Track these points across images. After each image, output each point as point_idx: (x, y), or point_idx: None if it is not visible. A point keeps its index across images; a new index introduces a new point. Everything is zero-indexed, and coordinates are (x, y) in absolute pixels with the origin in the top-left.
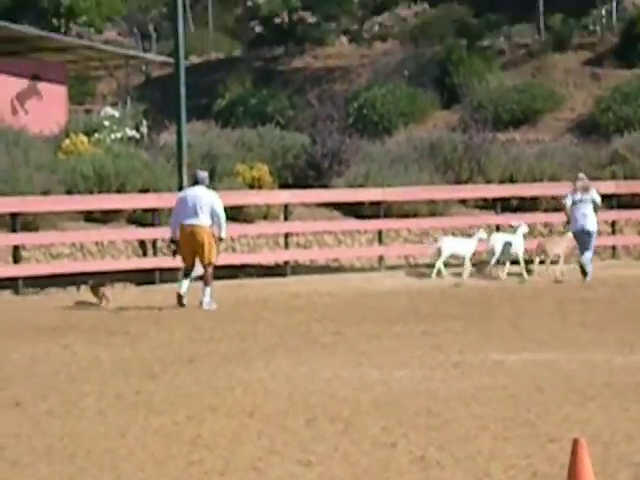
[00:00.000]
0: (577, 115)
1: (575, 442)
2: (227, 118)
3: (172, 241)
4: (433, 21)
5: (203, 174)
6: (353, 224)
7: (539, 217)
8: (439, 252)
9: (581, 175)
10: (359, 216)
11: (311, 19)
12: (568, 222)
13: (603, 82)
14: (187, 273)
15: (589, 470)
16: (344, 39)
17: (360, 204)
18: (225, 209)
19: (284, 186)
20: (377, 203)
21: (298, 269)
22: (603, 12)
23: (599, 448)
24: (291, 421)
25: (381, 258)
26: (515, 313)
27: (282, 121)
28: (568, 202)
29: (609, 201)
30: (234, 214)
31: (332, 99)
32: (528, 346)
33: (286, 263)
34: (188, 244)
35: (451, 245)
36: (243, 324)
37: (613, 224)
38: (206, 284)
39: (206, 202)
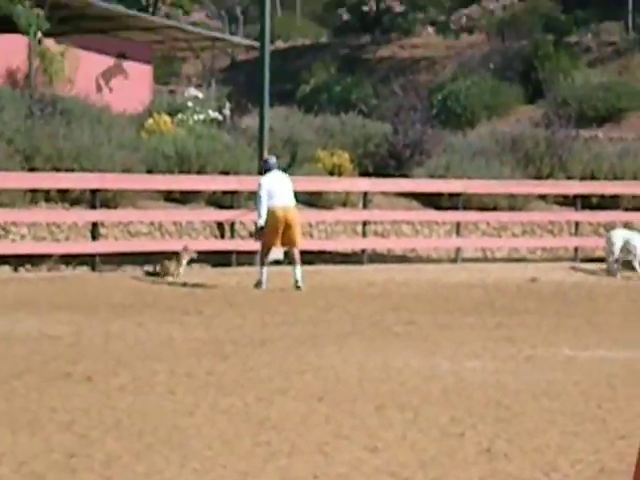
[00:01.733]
0: None
1: None
2: (310, 104)
3: (260, 228)
4: (521, 15)
5: (274, 159)
6: (431, 215)
7: (619, 215)
8: (614, 246)
9: None
10: (438, 207)
11: (399, 8)
12: None
13: None
14: (267, 255)
15: None
16: (431, 30)
17: (439, 195)
18: (304, 195)
19: (364, 174)
20: (456, 195)
21: (375, 258)
22: None
23: None
24: (360, 407)
25: (458, 250)
26: (591, 310)
27: (365, 109)
28: None
29: None
30: (313, 200)
31: (416, 89)
32: (602, 343)
33: (363, 251)
34: (276, 225)
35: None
36: (317, 310)
37: None
38: (298, 263)
39: (288, 184)
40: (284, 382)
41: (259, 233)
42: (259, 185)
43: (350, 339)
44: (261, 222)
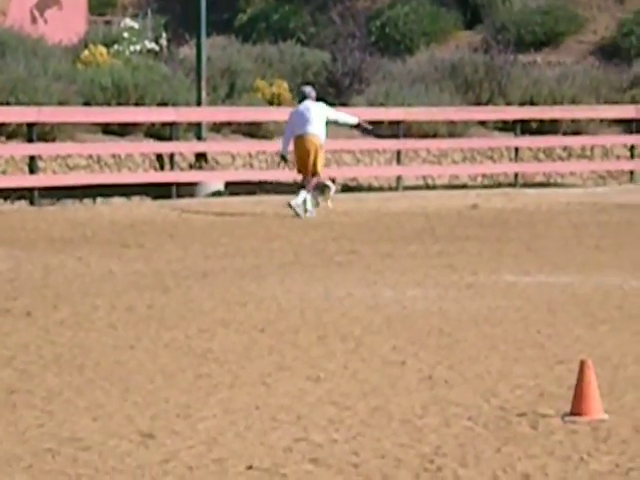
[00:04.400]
0: (599, 38)
1: (582, 363)
2: (248, 33)
3: (282, 157)
4: None
5: (308, 88)
6: (372, 143)
7: (559, 140)
8: None
9: None
10: (378, 135)
11: None
12: None
13: (627, 5)
14: (302, 185)
15: (595, 391)
16: None
17: (379, 123)
18: (243, 125)
19: None
20: (397, 122)
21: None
22: None
23: (608, 370)
24: (302, 338)
25: (399, 178)
26: (531, 236)
27: (304, 38)
28: None
29: (628, 125)
30: (253, 130)
31: (354, 17)
32: (542, 268)
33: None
34: (299, 153)
35: None
36: (258, 241)
37: (632, 148)
38: (304, 188)
39: (316, 113)
40: (226, 314)
41: (282, 161)
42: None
43: (292, 269)
44: (282, 151)
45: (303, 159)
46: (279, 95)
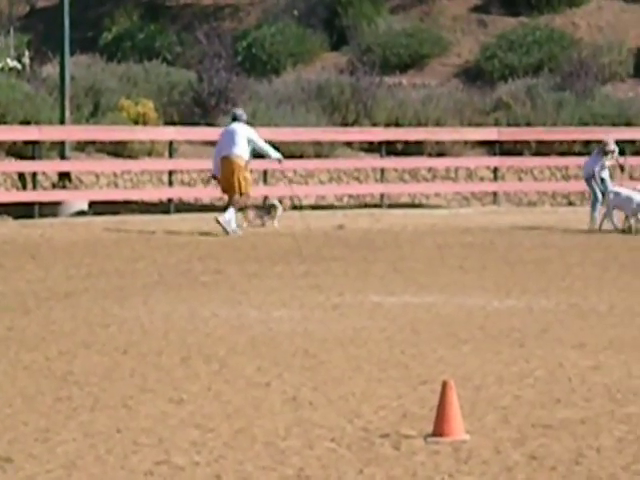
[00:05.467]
0: (463, 61)
1: (444, 384)
2: (113, 52)
3: (213, 177)
4: None
5: (239, 111)
6: None
7: (424, 161)
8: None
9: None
10: None
11: None
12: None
13: (490, 29)
14: (228, 204)
15: (456, 411)
16: None
17: None
18: (107, 144)
19: (169, 123)
20: None
21: (182, 207)
22: None
23: (470, 390)
24: (165, 359)
25: (265, 198)
26: (396, 256)
27: (169, 57)
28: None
29: (492, 147)
30: (117, 149)
31: (220, 37)
32: (407, 289)
33: (170, 200)
34: (224, 173)
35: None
36: (123, 261)
37: (495, 170)
38: (231, 204)
39: (241, 135)
40: (88, 335)
41: (212, 180)
42: None
43: (156, 290)
44: (213, 171)
45: (228, 179)
46: (144, 114)
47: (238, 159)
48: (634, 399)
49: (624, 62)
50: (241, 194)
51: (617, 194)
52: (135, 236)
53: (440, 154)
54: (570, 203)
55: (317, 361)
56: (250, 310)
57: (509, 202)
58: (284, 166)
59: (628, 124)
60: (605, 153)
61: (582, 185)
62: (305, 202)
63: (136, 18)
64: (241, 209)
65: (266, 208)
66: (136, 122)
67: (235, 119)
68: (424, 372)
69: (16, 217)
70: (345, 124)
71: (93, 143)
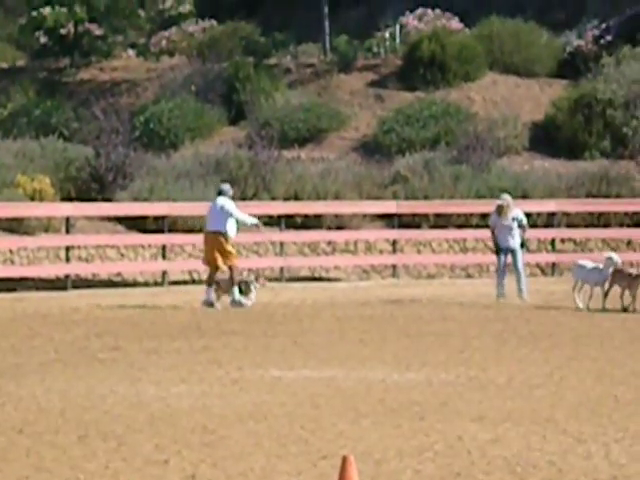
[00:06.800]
0: (361, 135)
1: (344, 459)
2: (9, 128)
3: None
4: (220, 37)
5: (226, 186)
6: (136, 238)
7: (323, 235)
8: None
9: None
10: (143, 230)
11: (98, 31)
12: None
13: (387, 103)
14: (209, 281)
15: None
16: (131, 52)
17: (144, 218)
18: (3, 220)
19: (66, 199)
20: (162, 217)
21: (79, 283)
22: (387, 35)
23: (370, 465)
24: (62, 438)
25: (164, 273)
26: (296, 330)
27: (66, 133)
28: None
29: (390, 220)
30: (14, 226)
31: (117, 112)
32: (307, 363)
33: (67, 277)
34: (205, 248)
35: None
36: (19, 338)
37: (394, 243)
38: (231, 284)
39: (217, 209)
40: None
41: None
42: None
43: (53, 367)
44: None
45: (207, 252)
46: (41, 190)
47: (216, 234)
48: (533, 472)
49: (519, 135)
50: (217, 268)
51: (582, 267)
52: (31, 313)
53: (339, 227)
54: (468, 275)
55: (216, 437)
56: (149, 387)
57: (408, 275)
58: (265, 234)
59: (524, 197)
60: (499, 212)
61: (480, 257)
62: (204, 276)
63: (32, 94)
64: (232, 282)
65: (239, 286)
66: (32, 198)
67: (220, 194)
68: (324, 447)
69: None
70: (244, 198)
71: None
